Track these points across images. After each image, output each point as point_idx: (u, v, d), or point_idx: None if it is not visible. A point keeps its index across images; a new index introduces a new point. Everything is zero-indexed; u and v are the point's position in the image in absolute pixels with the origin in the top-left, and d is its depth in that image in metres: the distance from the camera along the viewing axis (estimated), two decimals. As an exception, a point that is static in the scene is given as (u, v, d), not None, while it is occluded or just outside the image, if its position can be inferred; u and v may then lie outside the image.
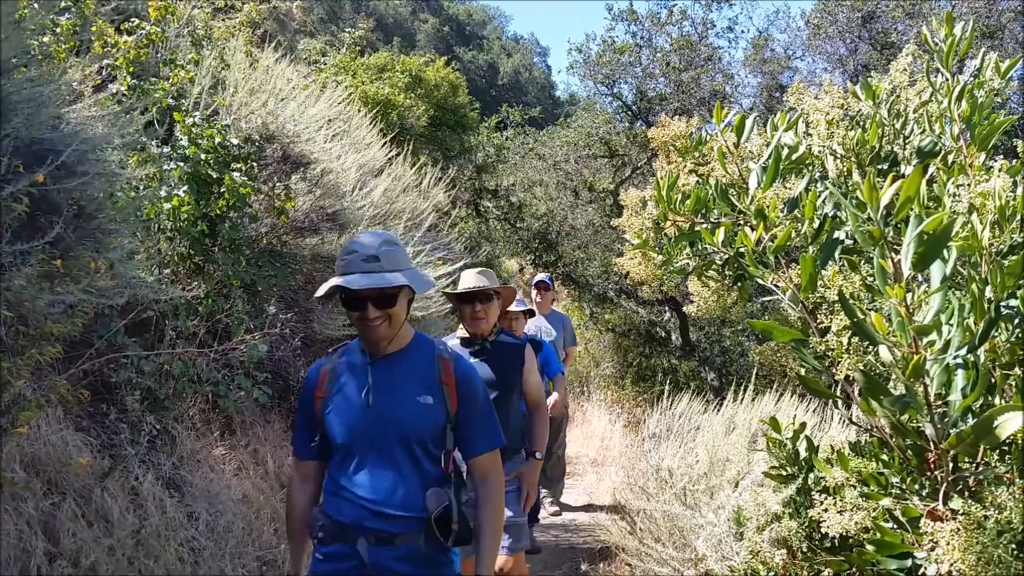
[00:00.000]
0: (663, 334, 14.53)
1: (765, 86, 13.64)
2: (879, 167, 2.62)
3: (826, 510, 2.13)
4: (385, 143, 8.02)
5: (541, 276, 6.87)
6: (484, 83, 44.74)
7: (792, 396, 6.05)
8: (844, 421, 4.74)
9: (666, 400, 7.17)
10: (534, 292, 6.72)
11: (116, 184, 4.02)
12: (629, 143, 14.02)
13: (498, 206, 16.28)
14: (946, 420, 1.81)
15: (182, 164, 4.60)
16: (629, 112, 14.48)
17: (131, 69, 4.85)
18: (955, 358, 1.69)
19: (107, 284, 3.84)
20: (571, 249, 14.75)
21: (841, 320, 1.92)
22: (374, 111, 10.02)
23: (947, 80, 2.38)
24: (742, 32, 33.10)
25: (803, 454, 2.81)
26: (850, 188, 2.26)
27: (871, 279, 1.95)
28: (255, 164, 5.13)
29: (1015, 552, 1.64)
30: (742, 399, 5.99)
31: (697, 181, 3.15)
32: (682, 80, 13.21)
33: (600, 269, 13.92)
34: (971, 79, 2.36)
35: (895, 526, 2.16)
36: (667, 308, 13.68)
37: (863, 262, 2.19)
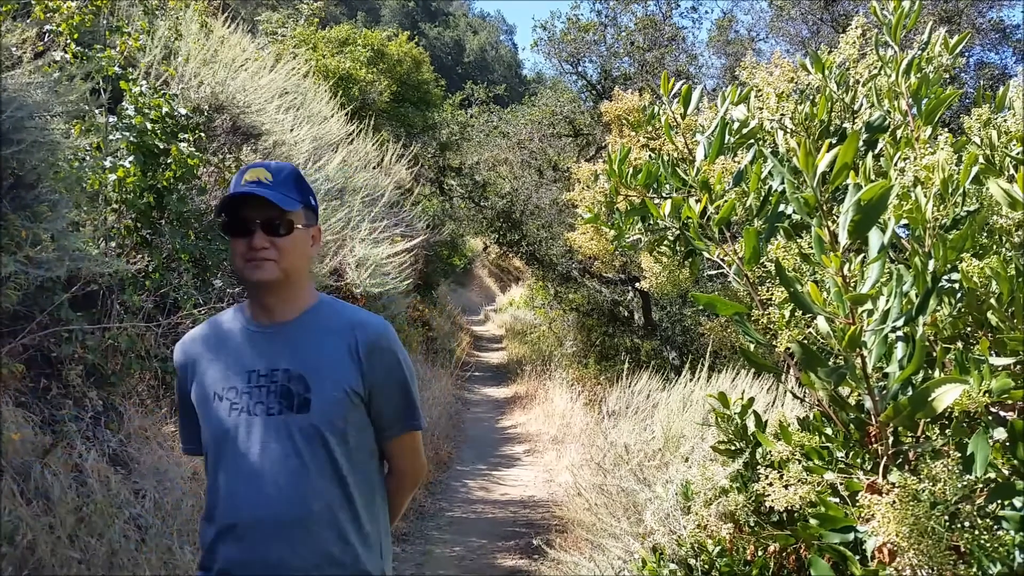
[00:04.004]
0: (626, 313, 14.60)
1: (729, 67, 13.67)
2: (829, 141, 2.61)
3: (771, 484, 2.12)
4: (344, 116, 7.90)
5: (250, 182, 1.85)
6: (450, 60, 44.36)
7: (748, 373, 6.10)
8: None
9: (626, 378, 7.21)
10: (241, 246, 1.85)
11: (58, 153, 3.90)
12: (593, 122, 14.00)
13: (462, 184, 16.20)
14: (884, 393, 1.81)
15: (127, 134, 4.47)
16: (594, 91, 14.44)
17: (75, 36, 4.69)
18: (893, 329, 1.68)
19: (50, 256, 3.73)
20: (535, 228, 14.71)
21: (782, 292, 1.91)
22: (334, 85, 9.87)
23: (896, 53, 2.37)
24: (706, 13, 33.15)
25: (751, 429, 2.82)
26: (787, 156, 2.24)
27: (811, 250, 1.93)
28: (204, 135, 5.00)
29: (947, 524, 1.64)
30: (698, 377, 6.04)
31: (650, 156, 3.13)
32: (646, 60, 13.19)
33: (564, 249, 13.93)
34: (919, 52, 2.35)
35: (839, 500, 2.17)
36: (630, 287, 13.73)
37: (805, 234, 2.19)
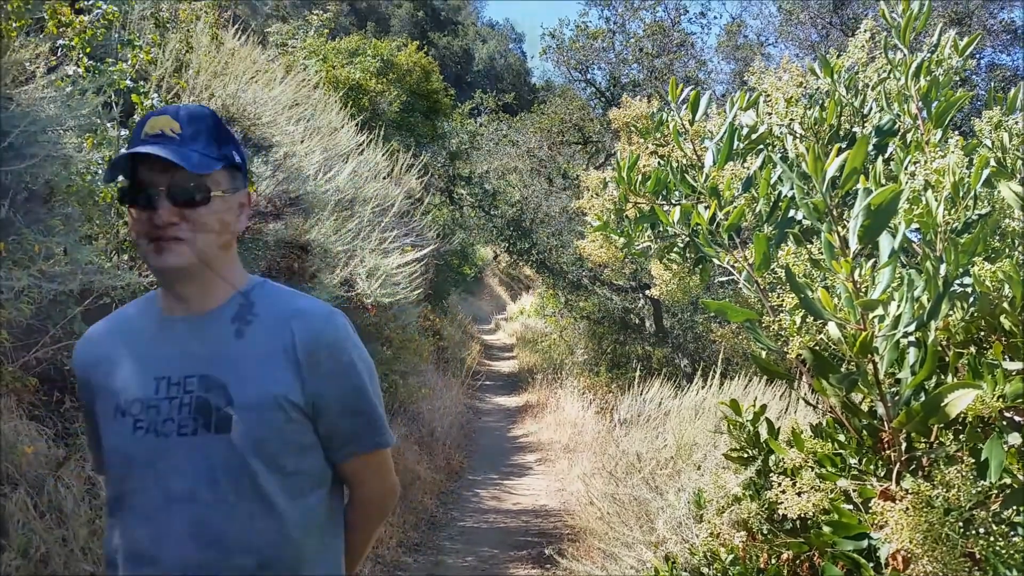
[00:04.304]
0: (637, 321, 14.57)
1: (738, 72, 13.67)
2: (839, 146, 2.60)
3: (783, 491, 2.11)
4: (354, 127, 7.93)
5: (152, 136, 1.36)
6: (459, 69, 44.48)
7: (760, 380, 6.06)
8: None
9: (638, 386, 7.19)
10: (142, 221, 1.39)
11: (71, 167, 3.93)
12: (603, 129, 14.02)
13: (472, 193, 16.24)
14: (897, 398, 1.79)
15: (139, 147, 4.50)
16: (603, 98, 14.46)
17: (87, 50, 4.73)
18: (905, 335, 1.67)
19: (63, 270, 3.75)
20: (545, 237, 14.72)
21: (792, 298, 1.90)
22: (344, 96, 9.91)
23: (905, 56, 2.36)
24: (715, 18, 33.22)
25: (764, 436, 2.80)
26: (797, 161, 2.24)
27: (822, 256, 1.92)
28: (215, 147, 5.02)
29: (962, 530, 1.63)
30: (710, 384, 6.01)
31: (659, 163, 3.12)
32: (655, 66, 13.20)
33: (574, 256, 13.92)
34: (928, 55, 2.34)
35: (853, 507, 2.15)
36: (641, 295, 13.72)
37: (816, 239, 2.18)
